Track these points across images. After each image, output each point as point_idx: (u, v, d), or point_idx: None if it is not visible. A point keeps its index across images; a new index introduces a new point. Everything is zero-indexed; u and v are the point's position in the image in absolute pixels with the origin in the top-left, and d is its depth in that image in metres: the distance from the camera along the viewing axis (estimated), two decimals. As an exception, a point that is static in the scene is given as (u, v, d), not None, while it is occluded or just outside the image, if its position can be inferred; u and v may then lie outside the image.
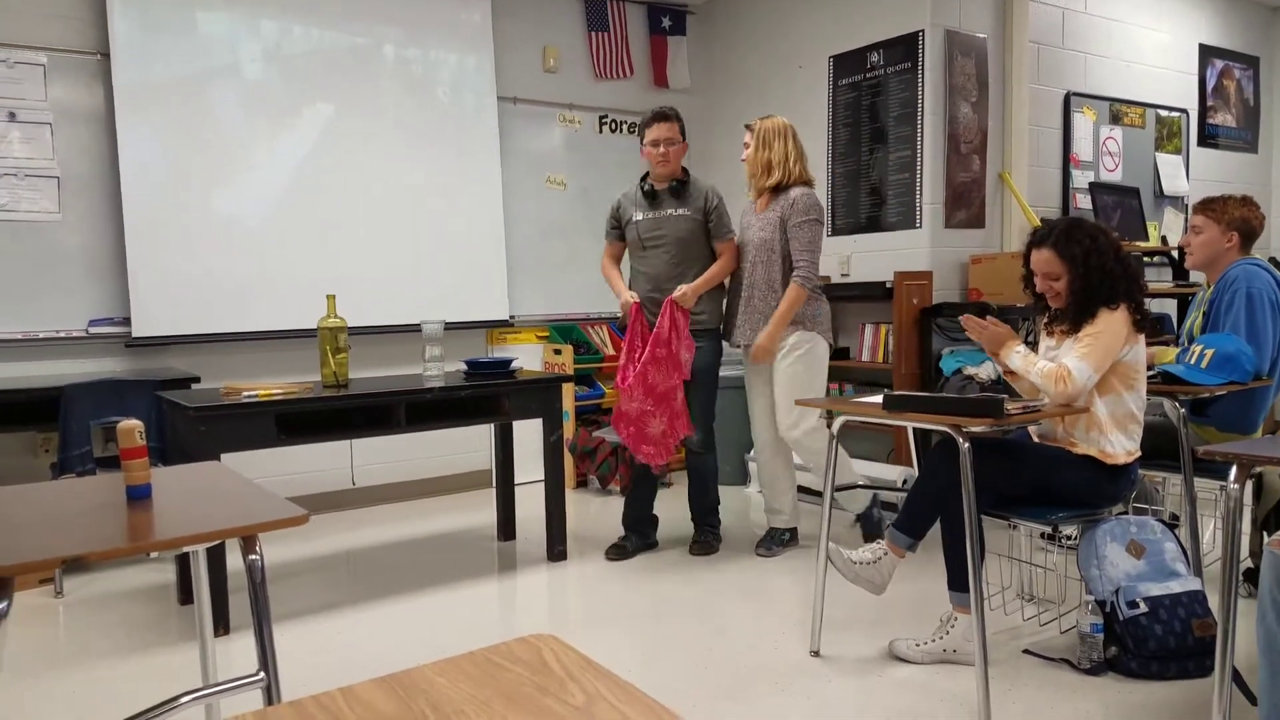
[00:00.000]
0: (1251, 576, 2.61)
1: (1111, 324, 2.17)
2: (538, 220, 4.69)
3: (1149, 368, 2.62)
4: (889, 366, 3.95)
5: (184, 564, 2.84)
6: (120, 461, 1.45)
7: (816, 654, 2.37)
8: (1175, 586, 2.23)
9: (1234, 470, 1.69)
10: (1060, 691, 2.14)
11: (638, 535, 3.31)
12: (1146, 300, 2.28)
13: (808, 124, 4.52)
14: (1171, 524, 2.50)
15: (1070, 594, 2.69)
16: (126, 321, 3.60)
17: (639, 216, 3.18)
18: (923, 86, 3.97)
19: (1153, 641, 2.16)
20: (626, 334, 3.14)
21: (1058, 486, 2.25)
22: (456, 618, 2.71)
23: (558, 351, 4.47)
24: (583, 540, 3.48)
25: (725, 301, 3.28)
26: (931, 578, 2.83)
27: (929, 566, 2.87)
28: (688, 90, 5.11)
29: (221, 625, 2.57)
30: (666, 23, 5.03)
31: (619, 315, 3.32)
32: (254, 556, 1.33)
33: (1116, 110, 4.65)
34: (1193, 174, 5.06)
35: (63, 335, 3.52)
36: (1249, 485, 2.55)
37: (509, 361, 3.23)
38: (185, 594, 2.86)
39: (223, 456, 2.50)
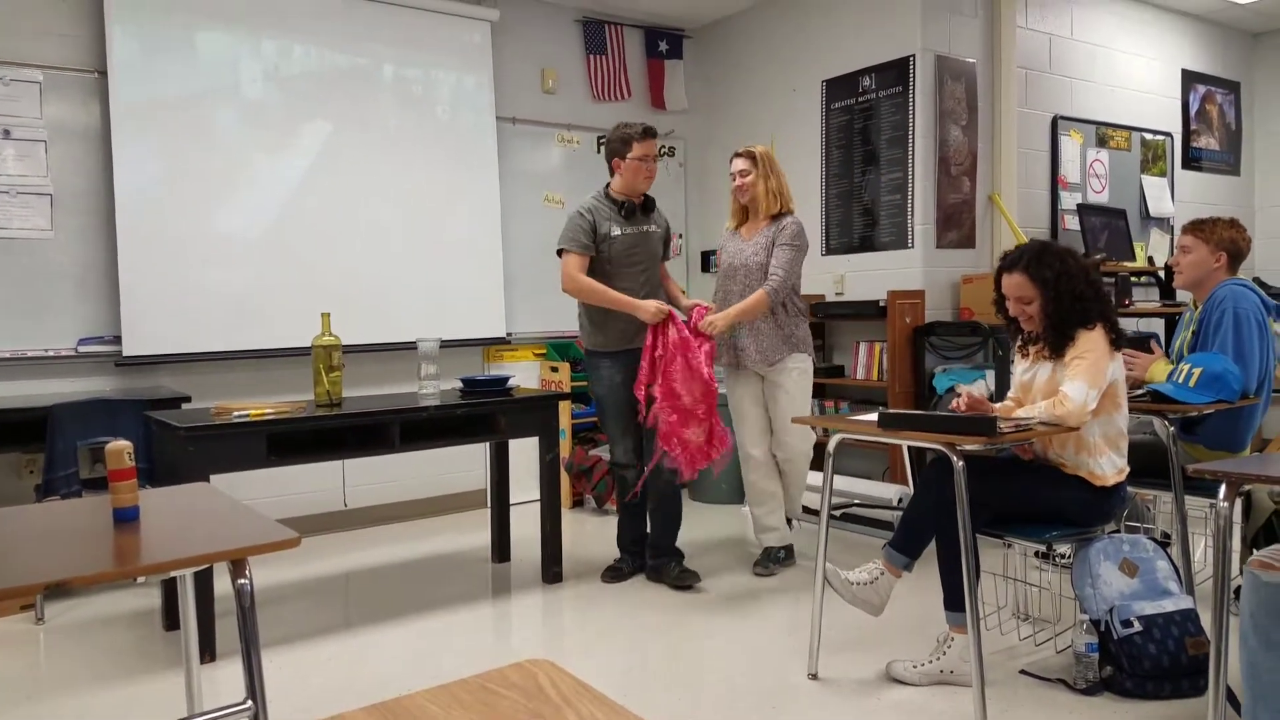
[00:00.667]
0: (1244, 595, 2.61)
1: (1093, 343, 2.20)
2: (536, 238, 4.69)
3: (1139, 386, 2.65)
4: (883, 384, 3.97)
5: (170, 588, 2.78)
6: (108, 483, 1.43)
7: (814, 676, 2.35)
8: (1168, 605, 2.23)
9: (1223, 489, 1.69)
10: (1057, 712, 2.13)
11: (633, 556, 3.29)
12: (1120, 320, 2.32)
13: (802, 146, 4.56)
14: (1163, 542, 2.50)
15: (1065, 613, 2.68)
16: (117, 340, 3.57)
17: (617, 232, 3.11)
18: (914, 110, 4.02)
19: (1147, 660, 2.16)
20: (648, 349, 2.97)
21: (1051, 505, 2.26)
22: (450, 642, 2.68)
23: (555, 369, 4.47)
24: (579, 561, 3.45)
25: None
26: (929, 597, 2.82)
27: (926, 586, 2.86)
28: (685, 112, 5.16)
29: (208, 652, 2.52)
30: (663, 46, 5.08)
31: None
32: (243, 580, 1.30)
33: (1103, 133, 4.71)
34: (1178, 196, 5.12)
35: (52, 354, 3.49)
36: (1239, 503, 2.56)
37: (506, 379, 3.22)
38: (171, 619, 2.80)
39: (213, 477, 2.46)
